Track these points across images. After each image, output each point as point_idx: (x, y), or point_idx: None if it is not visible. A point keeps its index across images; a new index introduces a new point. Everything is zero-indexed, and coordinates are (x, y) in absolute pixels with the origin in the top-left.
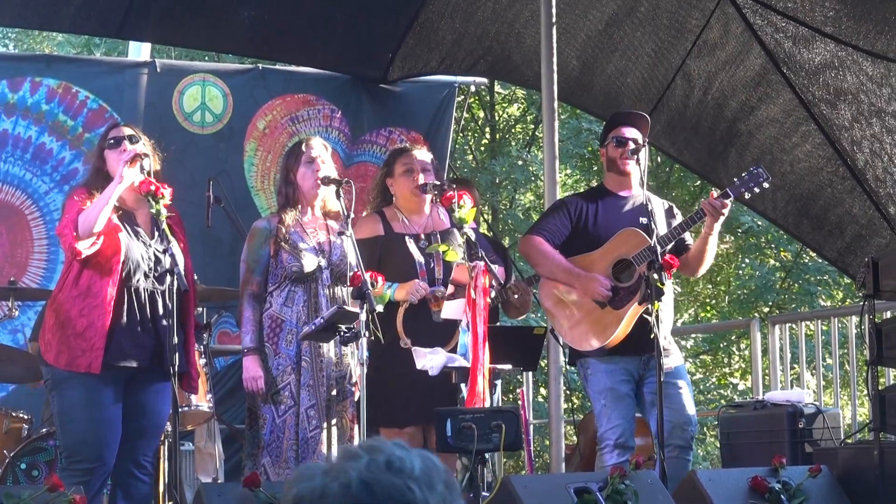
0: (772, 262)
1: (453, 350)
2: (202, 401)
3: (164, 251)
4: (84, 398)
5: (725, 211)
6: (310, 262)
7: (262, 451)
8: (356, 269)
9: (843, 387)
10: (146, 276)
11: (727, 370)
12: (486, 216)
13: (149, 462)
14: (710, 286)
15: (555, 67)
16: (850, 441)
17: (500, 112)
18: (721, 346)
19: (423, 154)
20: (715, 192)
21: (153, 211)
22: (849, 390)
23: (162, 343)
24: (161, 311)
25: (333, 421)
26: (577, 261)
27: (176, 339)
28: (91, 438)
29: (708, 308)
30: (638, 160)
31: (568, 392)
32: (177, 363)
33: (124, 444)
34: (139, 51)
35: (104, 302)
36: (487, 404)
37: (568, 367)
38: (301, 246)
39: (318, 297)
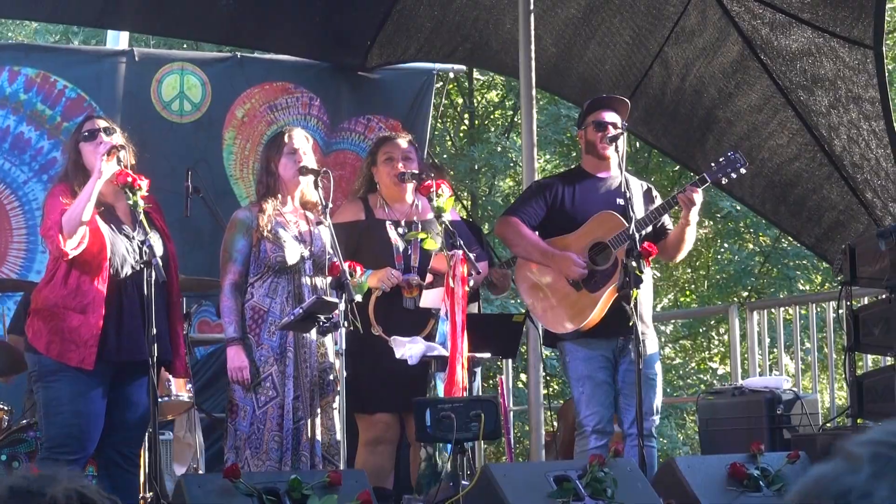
0: (751, 246)
1: (427, 338)
2: (182, 391)
3: (142, 243)
4: (72, 392)
5: (698, 201)
6: (293, 253)
7: (244, 444)
8: (335, 259)
9: (821, 370)
10: (133, 268)
11: (707, 355)
12: (465, 202)
13: (136, 454)
14: (689, 271)
15: (532, 55)
16: (828, 427)
17: (479, 98)
18: (700, 330)
19: (405, 142)
20: (690, 181)
21: (130, 203)
22: (827, 374)
23: (153, 334)
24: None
25: (318, 411)
26: (553, 243)
27: (155, 330)
28: (76, 432)
29: (687, 293)
30: (616, 145)
31: (548, 378)
32: (156, 354)
33: (111, 436)
34: (117, 39)
35: (96, 300)
36: (467, 392)
37: (547, 352)
38: (283, 236)
39: (302, 288)
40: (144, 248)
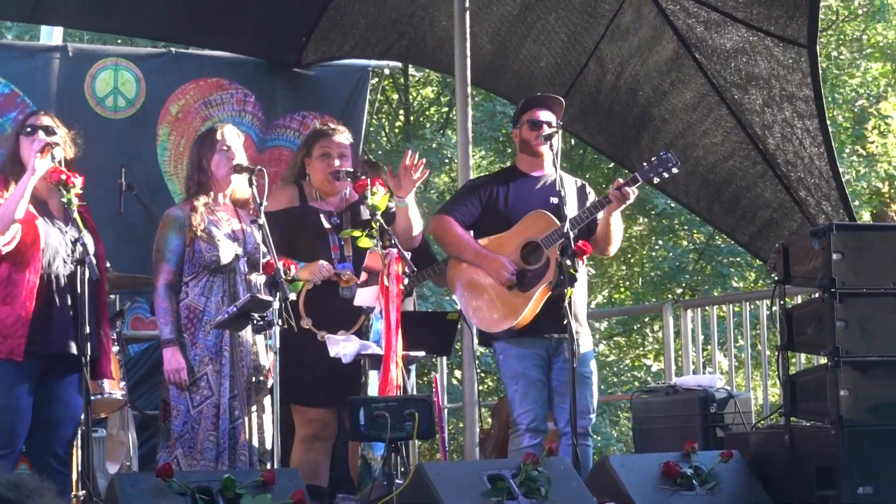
0: (685, 243)
1: (358, 333)
2: (115, 388)
3: (76, 241)
4: (1, 386)
5: (632, 198)
6: (227, 252)
7: (175, 443)
8: (269, 258)
9: (754, 368)
10: (64, 262)
11: (641, 352)
12: None
13: (68, 453)
14: (623, 268)
15: (468, 52)
16: (761, 426)
17: (415, 95)
18: (635, 328)
19: (342, 138)
20: (621, 180)
21: (64, 200)
22: (761, 371)
23: (80, 330)
24: (79, 297)
25: (254, 408)
26: (488, 242)
27: (88, 328)
28: (5, 427)
29: (621, 290)
30: (551, 143)
31: (482, 375)
32: (88, 352)
33: (42, 434)
34: (51, 35)
35: (25, 290)
36: (402, 391)
37: (481, 350)
38: (217, 235)
39: (237, 287)
40: (78, 245)
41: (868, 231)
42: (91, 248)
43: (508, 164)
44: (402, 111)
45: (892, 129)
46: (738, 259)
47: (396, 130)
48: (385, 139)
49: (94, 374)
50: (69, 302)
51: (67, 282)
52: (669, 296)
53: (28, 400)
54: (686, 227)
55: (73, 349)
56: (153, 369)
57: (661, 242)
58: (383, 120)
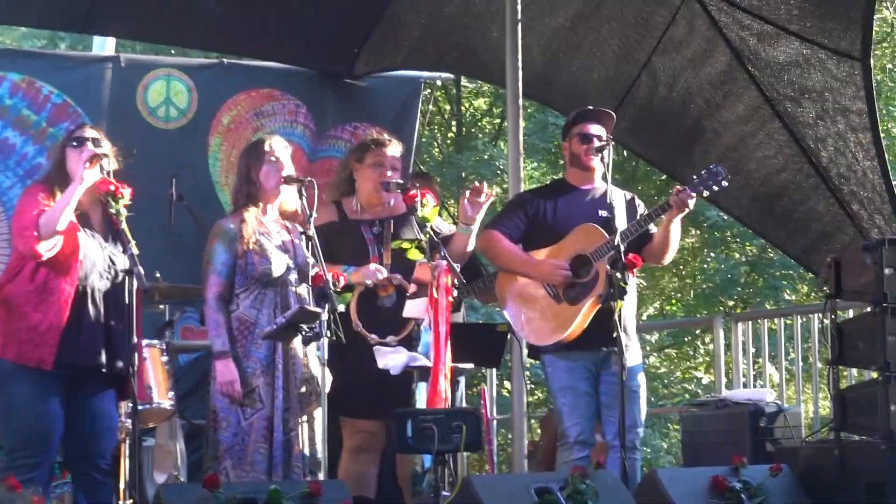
0: (737, 256)
1: (407, 340)
2: (163, 398)
3: (124, 251)
4: (31, 393)
5: (691, 204)
6: (279, 264)
7: (224, 454)
8: (318, 269)
9: (805, 381)
10: (101, 276)
11: (691, 364)
12: (451, 210)
13: (107, 464)
14: (675, 280)
15: (520, 65)
16: (810, 440)
17: (467, 105)
18: (685, 340)
19: (394, 150)
20: (679, 187)
21: (112, 211)
22: (812, 384)
23: (112, 345)
24: (113, 312)
25: (304, 419)
26: (535, 255)
27: (134, 339)
28: (37, 434)
29: (673, 302)
30: (602, 157)
31: (532, 386)
32: (136, 362)
33: (80, 449)
34: (103, 45)
35: (61, 299)
36: (450, 403)
37: (531, 361)
38: (268, 247)
39: (289, 298)
40: (127, 256)
41: None
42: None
43: (560, 175)
44: (454, 122)
45: None
46: (790, 272)
47: (449, 141)
48: (437, 150)
49: (122, 394)
50: (102, 316)
51: (102, 296)
52: (721, 308)
53: (59, 409)
54: (738, 240)
55: (104, 363)
56: (202, 379)
57: (713, 255)
58: (435, 131)
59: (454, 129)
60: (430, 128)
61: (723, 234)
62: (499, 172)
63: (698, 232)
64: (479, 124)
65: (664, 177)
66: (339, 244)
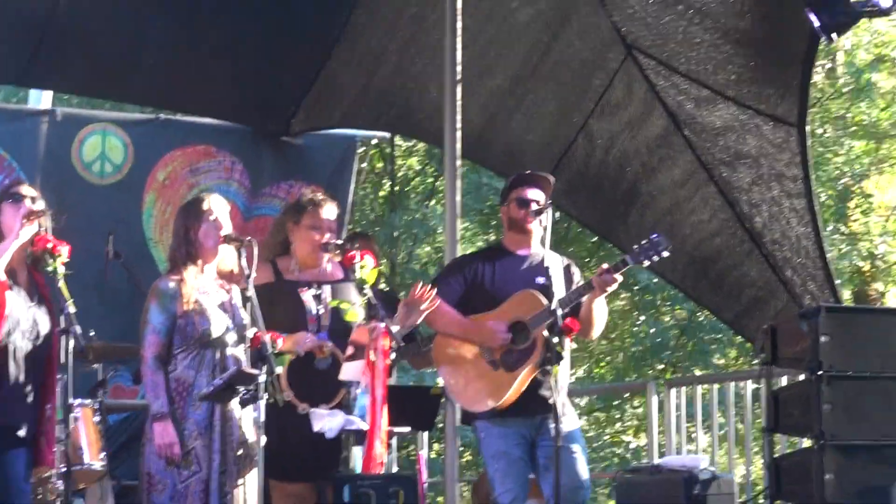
0: (667, 319)
1: (338, 405)
2: (95, 459)
3: (61, 311)
4: None
5: (615, 284)
6: (218, 324)
7: None
8: (256, 330)
9: (735, 445)
10: (23, 335)
11: (620, 427)
12: (384, 269)
13: None
14: (604, 342)
15: (458, 125)
16: None
17: (400, 164)
18: (614, 403)
19: (330, 211)
20: (606, 265)
21: (49, 269)
22: (741, 448)
23: (27, 406)
24: (31, 375)
25: (240, 482)
26: (473, 320)
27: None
28: None
29: (602, 364)
30: (541, 221)
31: (462, 448)
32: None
33: None
34: (40, 98)
35: None
36: (385, 466)
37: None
38: (208, 307)
39: (227, 360)
40: (62, 316)
41: (856, 314)
42: (47, 327)
43: (493, 235)
44: (387, 181)
45: (874, 208)
46: (720, 336)
47: (381, 200)
48: (370, 208)
49: (36, 459)
50: (22, 377)
51: (23, 356)
52: (650, 371)
53: None
54: (669, 303)
55: (22, 425)
56: (132, 438)
57: (643, 318)
58: (368, 189)
59: (387, 188)
60: (363, 186)
61: (653, 296)
62: (431, 232)
63: (628, 294)
64: (412, 184)
65: (595, 238)
66: (276, 305)
